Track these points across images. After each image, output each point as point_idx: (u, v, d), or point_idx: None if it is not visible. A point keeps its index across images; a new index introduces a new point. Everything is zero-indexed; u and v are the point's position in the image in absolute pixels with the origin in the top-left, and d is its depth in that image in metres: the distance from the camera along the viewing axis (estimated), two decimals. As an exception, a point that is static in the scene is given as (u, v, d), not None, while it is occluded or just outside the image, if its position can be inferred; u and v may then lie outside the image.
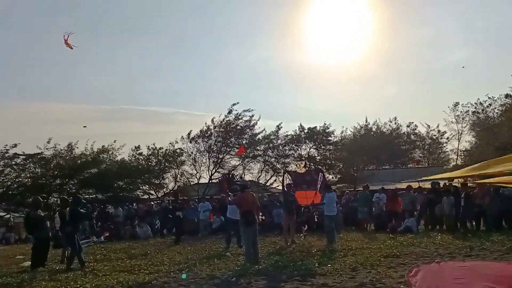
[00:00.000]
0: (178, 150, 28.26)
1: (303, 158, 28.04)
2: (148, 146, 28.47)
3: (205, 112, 75.20)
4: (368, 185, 16.18)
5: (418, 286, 4.61)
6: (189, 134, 28.59)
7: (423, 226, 13.64)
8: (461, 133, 37.34)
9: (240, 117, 28.07)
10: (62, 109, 52.44)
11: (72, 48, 10.05)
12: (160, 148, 28.32)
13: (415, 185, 16.35)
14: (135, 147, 28.12)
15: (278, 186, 31.30)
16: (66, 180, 25.00)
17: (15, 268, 9.46)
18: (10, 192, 23.58)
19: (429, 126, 41.24)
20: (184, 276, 7.29)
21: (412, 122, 42.30)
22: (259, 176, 30.48)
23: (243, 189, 8.87)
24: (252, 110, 28.31)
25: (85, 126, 26.97)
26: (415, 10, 64.63)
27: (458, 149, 38.26)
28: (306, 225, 12.62)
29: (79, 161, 25.19)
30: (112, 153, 26.65)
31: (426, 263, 5.80)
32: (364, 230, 14.10)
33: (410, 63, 66.43)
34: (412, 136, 42.87)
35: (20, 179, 24.37)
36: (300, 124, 31.54)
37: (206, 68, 67.54)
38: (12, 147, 23.47)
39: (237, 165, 30.11)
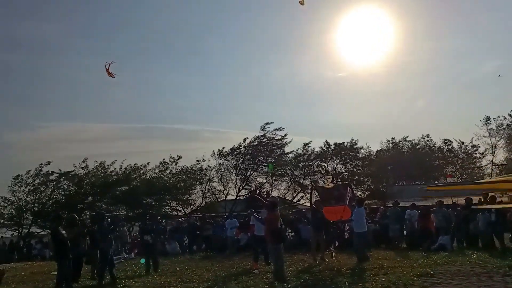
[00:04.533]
0: (204, 168, 28.53)
1: (330, 174, 27.76)
2: (174, 159, 28.69)
3: (229, 129, 75.99)
4: (398, 202, 15.77)
5: None
6: (220, 150, 28.92)
7: (457, 244, 13.18)
8: (495, 146, 36.15)
9: (272, 135, 28.25)
10: (91, 128, 54.12)
11: (114, 77, 10.21)
12: (179, 158, 28.56)
13: (448, 200, 15.86)
14: (161, 162, 28.42)
15: (305, 202, 31.05)
16: (98, 197, 25.63)
17: (51, 283, 9.71)
18: (46, 209, 24.33)
19: (463, 142, 40.19)
20: None
21: (448, 139, 41.42)
22: (286, 193, 30.35)
23: (274, 207, 8.78)
24: (283, 128, 28.47)
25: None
26: (442, 21, 63.78)
27: (492, 163, 36.98)
28: (337, 242, 12.40)
29: (110, 179, 25.83)
30: (143, 172, 27.24)
31: None
32: (396, 248, 13.73)
33: (438, 75, 65.25)
34: (446, 152, 41.86)
35: (54, 197, 25.17)
36: (326, 141, 31.41)
37: (231, 85, 68.56)
38: (46, 164, 24.40)
39: (264, 183, 30.15)
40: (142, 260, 7.15)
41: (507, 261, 9.03)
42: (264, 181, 30.06)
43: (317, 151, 30.26)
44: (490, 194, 13.09)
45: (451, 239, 12.79)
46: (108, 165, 26.72)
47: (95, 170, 26.40)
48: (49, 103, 62.57)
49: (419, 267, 8.97)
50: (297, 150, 29.75)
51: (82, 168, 25.83)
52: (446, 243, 12.24)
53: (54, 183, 25.22)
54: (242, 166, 28.51)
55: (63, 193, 25.48)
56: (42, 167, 24.64)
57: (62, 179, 25.22)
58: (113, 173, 26.51)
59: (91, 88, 67.34)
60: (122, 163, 26.88)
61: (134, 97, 66.23)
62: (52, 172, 24.87)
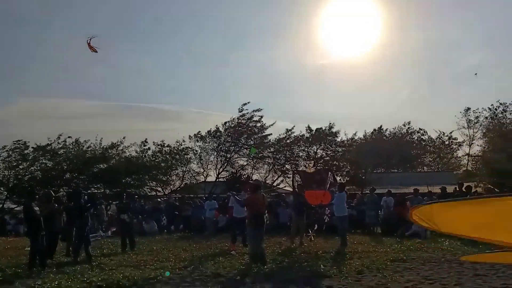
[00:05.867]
0: (185, 149, 28.31)
1: (312, 159, 28.00)
2: (155, 142, 28.50)
3: (212, 111, 75.43)
4: (374, 188, 16.07)
5: None
6: (197, 133, 28.72)
7: (430, 232, 13.52)
8: (473, 138, 37.07)
9: (250, 117, 28.08)
10: (69, 104, 52.96)
11: (96, 52, 10.01)
12: (168, 146, 28.34)
13: (424, 189, 16.21)
14: (142, 142, 28.11)
15: (285, 186, 31.29)
16: (75, 174, 25.21)
17: (24, 259, 9.56)
18: (21, 185, 23.83)
19: (443, 133, 41.08)
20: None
21: (422, 129, 42.39)
22: (267, 177, 30.49)
23: (256, 189, 8.70)
24: (261, 109, 28.33)
25: (69, 137, 27.27)
26: (429, 13, 64.18)
27: (469, 155, 37.95)
28: (316, 225, 12.56)
29: (87, 156, 25.39)
30: (122, 149, 26.84)
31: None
32: (371, 234, 14.02)
33: (423, 66, 65.96)
34: (423, 142, 42.86)
35: (31, 172, 24.64)
36: (308, 126, 31.59)
37: (215, 67, 67.85)
38: (22, 144, 23.80)
39: (245, 165, 30.17)
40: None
41: (477, 248, 9.30)
42: (245, 163, 30.10)
43: (299, 135, 30.42)
44: (465, 184, 13.40)
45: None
46: (84, 141, 26.22)
47: (71, 147, 25.89)
48: (27, 79, 60.66)
49: (393, 252, 9.18)
50: (280, 135, 29.84)
51: (59, 144, 25.28)
52: (420, 230, 12.52)
53: (31, 158, 24.63)
54: (222, 148, 28.43)
55: (39, 169, 24.96)
56: (19, 142, 24.02)
57: (39, 153, 24.64)
58: (89, 149, 26.07)
59: (70, 65, 65.64)
60: (100, 139, 26.41)
61: (113, 75, 64.86)
62: (29, 147, 24.27)
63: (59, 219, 9.96)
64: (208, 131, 28.43)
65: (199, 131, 28.74)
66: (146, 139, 28.17)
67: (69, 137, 25.63)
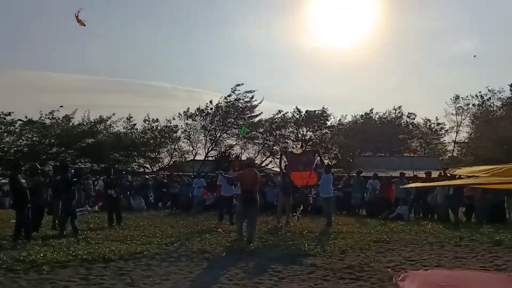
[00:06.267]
0: (173, 127, 28.11)
1: (300, 140, 28.16)
2: (144, 120, 28.19)
3: (202, 89, 74.80)
4: (361, 171, 16.29)
5: None
6: (186, 111, 28.52)
7: (414, 214, 13.80)
8: (460, 125, 37.51)
9: (241, 98, 27.97)
10: (61, 78, 52.06)
11: (84, 25, 9.86)
12: (156, 121, 28.05)
13: (410, 173, 16.44)
14: (127, 118, 27.73)
15: (273, 167, 31.49)
16: (63, 148, 24.94)
17: (10, 231, 9.52)
18: (7, 157, 23.51)
19: (429, 120, 41.49)
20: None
21: (412, 113, 42.74)
22: (256, 157, 30.58)
23: (246, 166, 8.75)
24: (254, 91, 28.24)
25: (61, 106, 26.43)
26: (423, -2, 63.76)
27: (455, 141, 38.47)
28: (301, 206, 12.70)
29: (76, 131, 25.07)
30: (110, 124, 26.54)
31: (413, 270, 5.93)
32: (356, 215, 14.25)
33: (414, 52, 65.96)
34: (411, 126, 43.26)
35: (17, 145, 24.29)
36: (296, 107, 31.69)
37: (206, 45, 66.94)
38: (6, 115, 23.31)
39: (234, 145, 30.21)
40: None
41: (459, 232, 9.56)
42: (234, 143, 30.14)
43: (289, 117, 30.49)
44: (452, 173, 13.55)
45: (409, 210, 13.36)
46: (72, 116, 25.82)
47: (60, 122, 25.52)
48: (17, 49, 59.19)
49: (376, 234, 9.35)
50: (273, 115, 29.87)
51: (49, 118, 24.87)
52: (403, 213, 12.78)
53: (18, 131, 24.22)
54: (211, 127, 28.33)
55: (25, 142, 24.61)
56: (6, 114, 23.53)
57: (26, 127, 24.24)
58: (79, 125, 25.72)
59: (61, 37, 64.09)
60: (89, 114, 26.05)
61: (104, 49, 63.64)
62: (17, 120, 23.82)
63: (45, 193, 9.90)
64: (197, 109, 28.26)
65: (188, 108, 28.60)
66: (129, 114, 27.80)
67: (58, 109, 25.05)
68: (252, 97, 28.06)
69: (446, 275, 5.58)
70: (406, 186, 6.90)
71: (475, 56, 63.60)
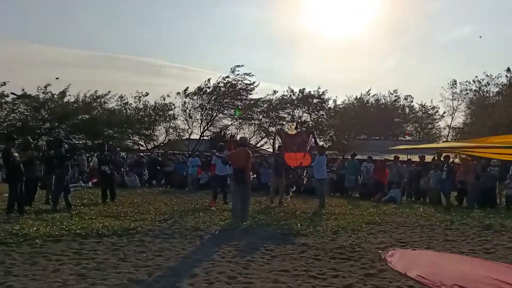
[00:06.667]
0: (169, 104, 27.96)
1: (295, 121, 28.14)
2: (137, 97, 27.93)
3: (198, 68, 73.98)
4: (355, 153, 16.36)
5: (393, 265, 4.83)
6: (185, 90, 28.37)
7: (406, 198, 13.93)
8: (456, 110, 37.58)
9: (240, 79, 27.83)
10: (56, 52, 51.32)
11: None
12: (146, 95, 27.82)
13: (404, 157, 16.51)
14: (120, 96, 27.58)
15: (268, 148, 31.53)
16: (56, 124, 24.76)
17: (2, 205, 9.51)
18: (0, 132, 23.28)
19: (423, 105, 41.54)
20: None
21: (409, 95, 42.67)
22: (251, 137, 30.58)
23: (239, 146, 8.77)
24: (253, 75, 28.18)
25: (57, 78, 26.05)
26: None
27: (450, 126, 38.63)
28: (294, 186, 12.76)
29: (70, 106, 24.85)
30: (104, 101, 26.34)
31: (402, 248, 6.02)
32: (349, 197, 14.36)
33: (413, 35, 65.48)
34: (407, 110, 43.26)
35: (10, 119, 24.06)
36: (289, 87, 31.62)
37: (203, 23, 66.04)
38: (1, 85, 22.97)
39: (229, 125, 30.15)
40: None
41: (450, 216, 9.67)
42: (230, 123, 30.08)
43: (283, 97, 30.42)
44: (444, 154, 13.68)
45: (401, 193, 13.49)
46: (66, 90, 25.56)
47: (54, 97, 25.25)
48: (13, 22, 58.00)
49: (368, 216, 9.45)
50: (268, 95, 29.77)
51: (43, 93, 24.59)
52: (396, 196, 12.89)
53: (11, 105, 23.93)
54: (208, 107, 28.22)
55: (18, 117, 24.36)
56: (1, 84, 23.15)
57: (19, 101, 23.95)
58: (72, 101, 25.49)
59: (51, 8, 62.79)
60: (85, 92, 25.82)
61: (95, 23, 62.54)
62: (9, 94, 23.50)
63: (38, 167, 9.86)
64: (198, 87, 28.09)
65: (187, 87, 28.43)
66: (121, 94, 27.64)
67: (51, 83, 24.73)
68: (253, 82, 28.02)
69: (434, 256, 5.68)
70: (395, 147, 6.92)
71: (480, 37, 63.14)
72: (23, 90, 23.58)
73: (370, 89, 42.82)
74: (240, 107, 26.50)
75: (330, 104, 32.41)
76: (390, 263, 4.99)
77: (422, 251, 6.02)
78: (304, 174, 13.14)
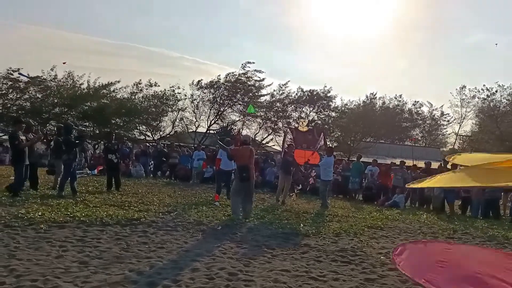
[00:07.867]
0: (178, 95, 28.01)
1: (305, 118, 28.11)
2: (146, 86, 27.97)
3: (209, 61, 73.97)
4: (361, 156, 16.32)
5: (402, 266, 4.66)
6: (198, 82, 28.45)
7: (410, 204, 13.88)
8: (464, 117, 37.32)
9: (251, 76, 27.89)
10: (64, 36, 51.47)
11: None
12: (155, 84, 27.89)
13: (409, 162, 16.45)
14: (137, 83, 27.65)
15: (274, 145, 31.53)
16: (65, 109, 24.93)
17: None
18: (9, 114, 23.49)
19: (431, 104, 41.22)
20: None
21: (418, 101, 42.42)
22: (257, 133, 30.59)
23: (242, 144, 8.80)
24: (263, 72, 28.26)
25: (64, 63, 26.16)
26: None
27: (458, 133, 38.38)
28: (300, 185, 12.73)
29: (79, 93, 25.00)
30: (114, 90, 26.45)
31: (412, 242, 5.88)
32: (353, 200, 14.34)
33: (426, 40, 64.98)
34: (415, 114, 42.98)
35: (20, 103, 24.26)
36: (299, 87, 31.59)
37: (215, 17, 65.92)
38: (14, 71, 23.12)
39: (237, 120, 30.18)
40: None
41: (453, 224, 9.63)
42: (237, 119, 30.12)
43: (292, 96, 30.38)
44: (450, 163, 13.57)
45: (405, 198, 13.45)
46: (78, 75, 25.71)
47: (63, 80, 25.41)
48: (28, 6, 58.28)
49: (371, 220, 9.42)
50: (273, 91, 29.77)
51: (50, 76, 24.74)
52: (399, 201, 12.86)
53: (21, 88, 24.10)
54: (218, 101, 28.29)
55: (28, 100, 24.54)
56: (12, 72, 23.33)
57: (29, 84, 24.11)
58: (82, 86, 25.64)
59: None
60: (95, 79, 25.95)
61: (112, 12, 62.68)
62: (22, 74, 23.63)
63: (38, 150, 9.90)
64: (211, 81, 28.19)
65: (201, 79, 28.52)
66: (140, 80, 27.74)
67: (55, 66, 24.79)
68: (263, 79, 28.11)
69: (445, 249, 5.48)
70: (410, 185, 6.78)
71: (496, 44, 62.67)
72: (28, 74, 23.72)
73: (375, 93, 42.63)
74: (252, 105, 26.58)
75: (338, 103, 32.39)
76: (398, 264, 4.79)
77: (432, 244, 5.83)
78: (312, 174, 13.11)
